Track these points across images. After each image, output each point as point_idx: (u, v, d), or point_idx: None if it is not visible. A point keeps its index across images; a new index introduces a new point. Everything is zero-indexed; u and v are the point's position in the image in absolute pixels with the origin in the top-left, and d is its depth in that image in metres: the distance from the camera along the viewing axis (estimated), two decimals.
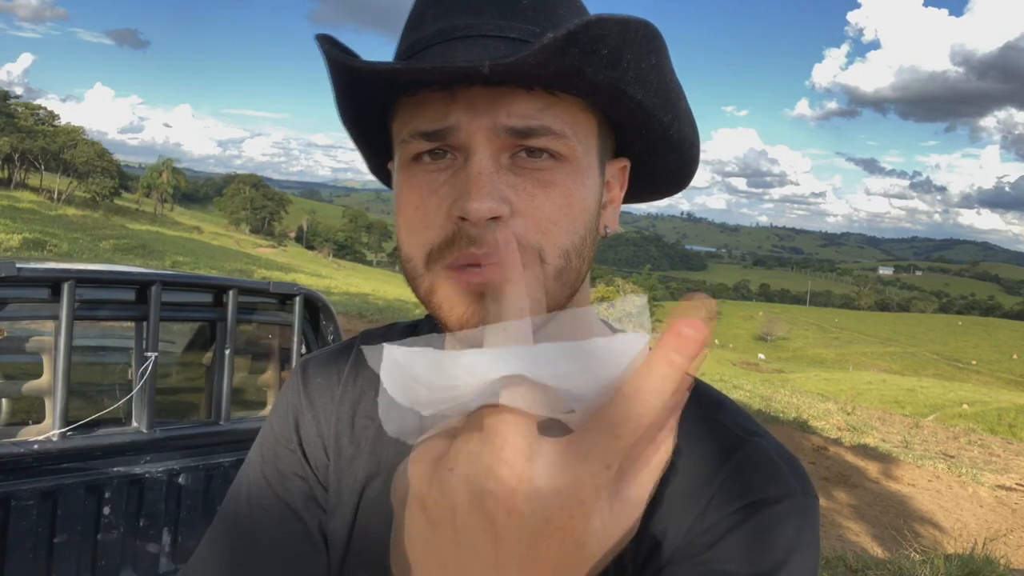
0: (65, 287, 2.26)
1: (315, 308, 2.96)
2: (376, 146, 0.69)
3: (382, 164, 0.72)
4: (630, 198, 0.72)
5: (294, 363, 2.82)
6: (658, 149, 0.65)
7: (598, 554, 0.35)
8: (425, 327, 0.75)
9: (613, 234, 0.66)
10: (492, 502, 0.34)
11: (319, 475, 0.73)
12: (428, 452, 0.38)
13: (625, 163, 0.67)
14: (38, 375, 2.38)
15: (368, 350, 0.41)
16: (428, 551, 0.37)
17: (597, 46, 0.50)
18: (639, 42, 0.52)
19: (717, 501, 0.58)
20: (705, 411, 0.64)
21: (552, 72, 0.52)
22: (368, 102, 0.61)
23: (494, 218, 0.55)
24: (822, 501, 6.93)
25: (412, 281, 0.61)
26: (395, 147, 0.62)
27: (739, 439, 0.62)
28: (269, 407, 2.94)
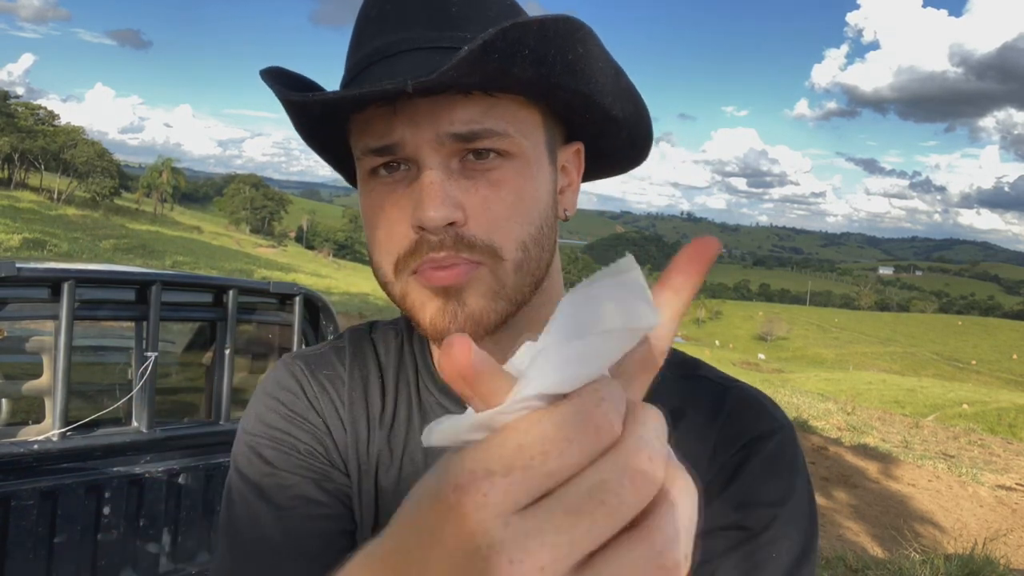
0: (65, 287, 2.26)
1: (315, 308, 2.96)
2: (344, 158, 0.73)
3: (353, 173, 0.76)
4: (592, 175, 0.76)
5: None
6: (606, 130, 0.69)
7: None
8: (403, 324, 0.79)
9: (572, 216, 0.70)
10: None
11: (340, 451, 0.72)
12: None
13: (579, 146, 0.70)
14: (38, 375, 2.38)
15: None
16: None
17: (517, 48, 0.53)
18: (561, 37, 0.55)
19: (722, 442, 0.65)
20: (687, 370, 0.72)
21: (480, 78, 0.55)
22: (325, 125, 0.66)
23: (450, 224, 0.59)
24: (822, 501, 6.94)
25: (385, 288, 0.66)
26: (355, 161, 0.66)
27: (724, 387, 0.70)
28: None
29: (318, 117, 0.64)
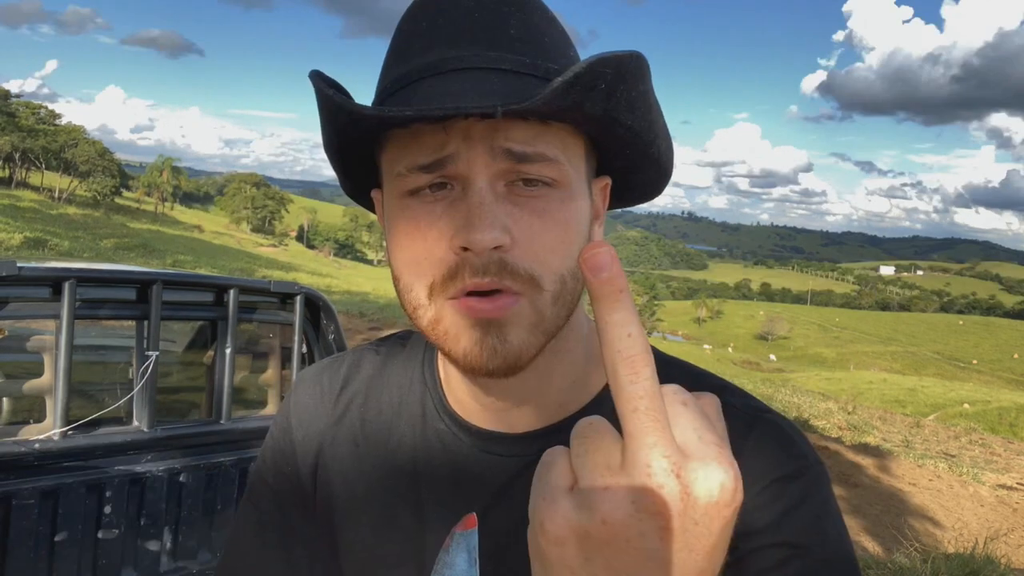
0: (66, 286, 2.26)
1: (316, 307, 2.96)
2: (356, 173, 0.70)
3: (361, 189, 0.73)
4: (611, 205, 0.75)
5: (295, 362, 2.82)
6: (639, 166, 0.67)
7: None
8: (419, 339, 0.78)
9: None
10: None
11: (304, 490, 0.78)
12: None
13: (607, 181, 0.68)
14: (39, 374, 2.38)
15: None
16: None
17: (596, 83, 0.52)
18: (631, 74, 0.54)
19: (744, 481, 0.60)
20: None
21: (554, 108, 0.54)
22: (359, 137, 0.62)
23: (496, 247, 0.56)
24: None
25: (413, 311, 0.61)
26: (386, 178, 0.63)
27: (752, 417, 0.64)
28: (270, 406, 2.94)
29: (363, 129, 0.60)
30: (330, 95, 0.57)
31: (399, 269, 0.62)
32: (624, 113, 0.57)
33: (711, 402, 0.40)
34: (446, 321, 0.59)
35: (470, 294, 0.58)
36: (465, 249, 0.56)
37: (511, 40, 0.59)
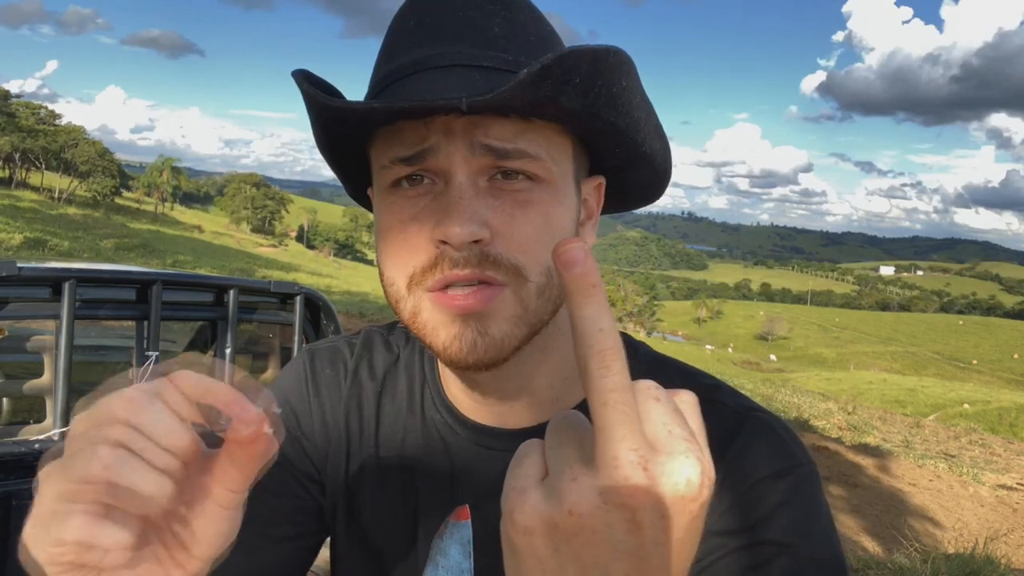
0: (66, 286, 2.26)
1: (316, 307, 2.96)
2: (353, 172, 0.71)
3: (360, 189, 0.74)
4: (608, 209, 0.75)
5: None
6: (632, 165, 0.67)
7: None
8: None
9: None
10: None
11: (312, 458, 0.76)
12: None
13: (600, 180, 0.68)
14: (39, 374, 2.38)
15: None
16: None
17: (569, 76, 0.52)
18: (609, 69, 0.54)
19: (731, 479, 0.60)
20: (704, 393, 0.68)
21: (528, 102, 0.54)
22: (346, 133, 0.63)
23: (476, 241, 0.56)
24: None
25: (395, 304, 0.62)
26: (374, 174, 0.64)
27: (741, 416, 0.65)
28: None
29: (348, 125, 0.61)
30: (306, 89, 0.57)
31: (383, 262, 0.63)
32: (606, 109, 0.57)
33: (687, 399, 0.39)
34: (425, 314, 0.60)
35: (450, 287, 0.58)
36: (444, 243, 0.57)
37: (495, 38, 0.59)
